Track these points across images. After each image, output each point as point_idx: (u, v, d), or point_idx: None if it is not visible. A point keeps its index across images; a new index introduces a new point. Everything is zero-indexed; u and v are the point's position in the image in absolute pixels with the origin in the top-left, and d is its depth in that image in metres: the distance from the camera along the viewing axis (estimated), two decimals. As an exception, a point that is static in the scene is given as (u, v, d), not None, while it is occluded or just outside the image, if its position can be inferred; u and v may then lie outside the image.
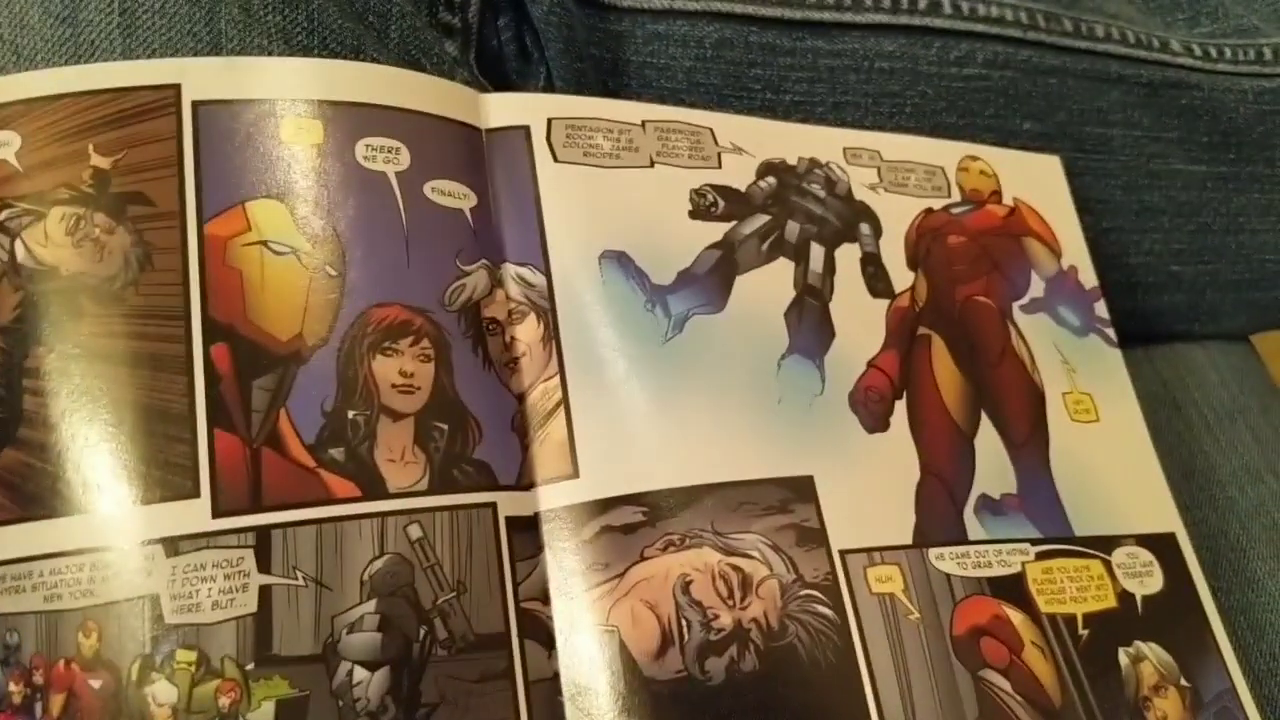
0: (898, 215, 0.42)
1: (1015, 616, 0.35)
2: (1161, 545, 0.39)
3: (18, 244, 0.30)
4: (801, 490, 0.34)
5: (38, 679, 0.27)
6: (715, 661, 0.31)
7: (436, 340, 0.32)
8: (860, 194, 0.41)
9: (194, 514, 0.28)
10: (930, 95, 0.46)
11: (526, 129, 0.37)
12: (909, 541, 0.35)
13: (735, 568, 0.33)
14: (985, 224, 0.43)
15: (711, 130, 0.40)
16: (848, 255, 0.40)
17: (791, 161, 0.41)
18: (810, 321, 0.38)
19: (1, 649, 0.27)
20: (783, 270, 0.38)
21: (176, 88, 0.32)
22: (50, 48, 0.32)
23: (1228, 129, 0.50)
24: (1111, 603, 0.37)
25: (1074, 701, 0.35)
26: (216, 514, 0.28)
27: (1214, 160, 0.51)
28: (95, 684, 0.27)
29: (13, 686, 0.27)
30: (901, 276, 0.41)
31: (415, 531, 0.30)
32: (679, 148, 0.39)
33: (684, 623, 0.31)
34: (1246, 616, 0.39)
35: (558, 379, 0.34)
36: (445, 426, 0.31)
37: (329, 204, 0.32)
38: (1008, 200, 0.44)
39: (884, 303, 0.40)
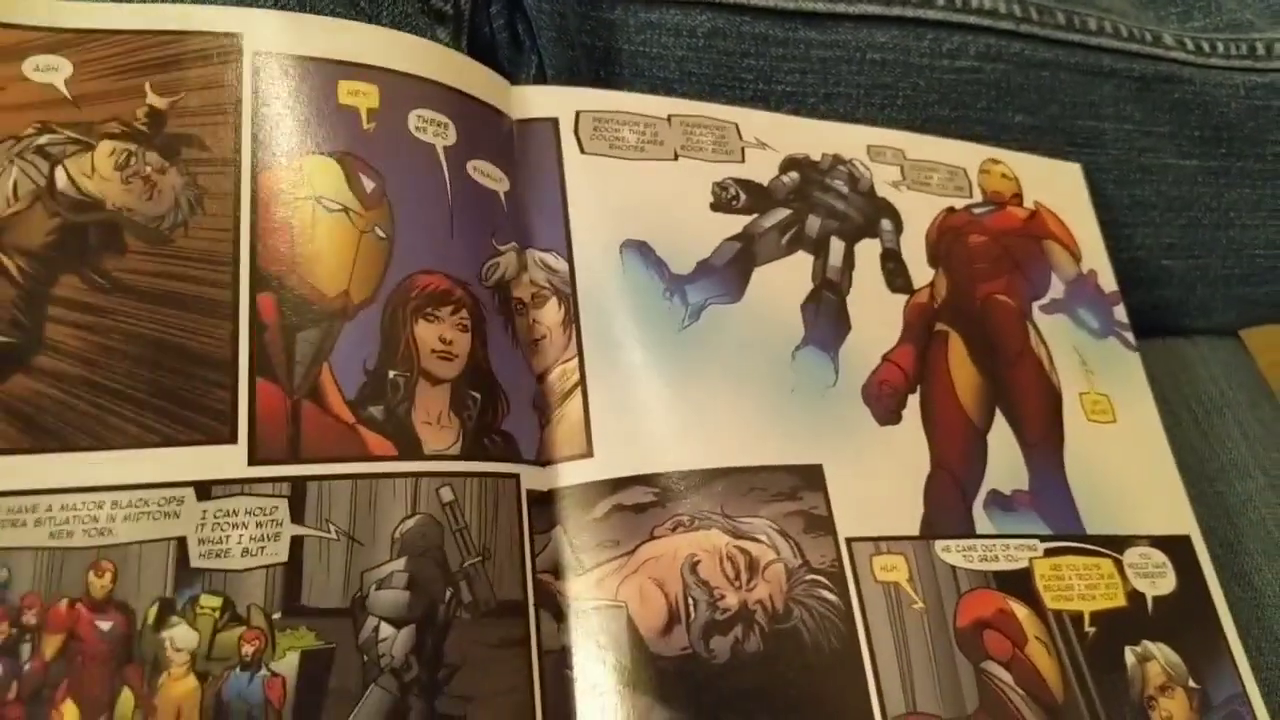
0: (919, 213, 0.42)
1: (1020, 611, 0.36)
2: (1176, 547, 0.39)
3: (58, 171, 0.30)
4: (811, 478, 0.35)
5: (29, 619, 0.26)
6: (720, 641, 0.32)
7: (474, 312, 0.33)
8: (883, 191, 0.42)
9: (229, 460, 0.28)
10: (922, 87, 0.46)
11: (555, 121, 0.38)
12: (916, 533, 0.36)
13: (743, 550, 0.33)
14: (1006, 225, 0.44)
15: (736, 125, 0.40)
16: (868, 250, 0.41)
17: (815, 157, 0.41)
18: (827, 314, 0.38)
19: (-13, 585, 0.26)
20: (801, 263, 0.39)
21: (238, 37, 0.33)
22: None
23: (1219, 123, 0.50)
24: (1121, 601, 0.37)
25: (1077, 697, 0.35)
26: (253, 461, 0.29)
27: (1205, 155, 0.51)
28: (104, 625, 0.26)
29: (-7, 625, 0.26)
30: (921, 273, 0.41)
31: (447, 494, 0.30)
32: (703, 142, 0.40)
33: (690, 601, 0.32)
34: (1233, 612, 0.39)
35: (576, 361, 0.35)
36: (478, 396, 0.32)
37: (382, 168, 0.33)
38: (1029, 204, 0.45)
39: (902, 298, 0.40)
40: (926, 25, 0.45)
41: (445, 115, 0.35)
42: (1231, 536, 0.46)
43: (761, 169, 0.40)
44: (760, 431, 0.35)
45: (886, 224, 0.42)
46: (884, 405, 0.38)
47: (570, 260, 0.36)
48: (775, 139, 0.41)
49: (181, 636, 0.27)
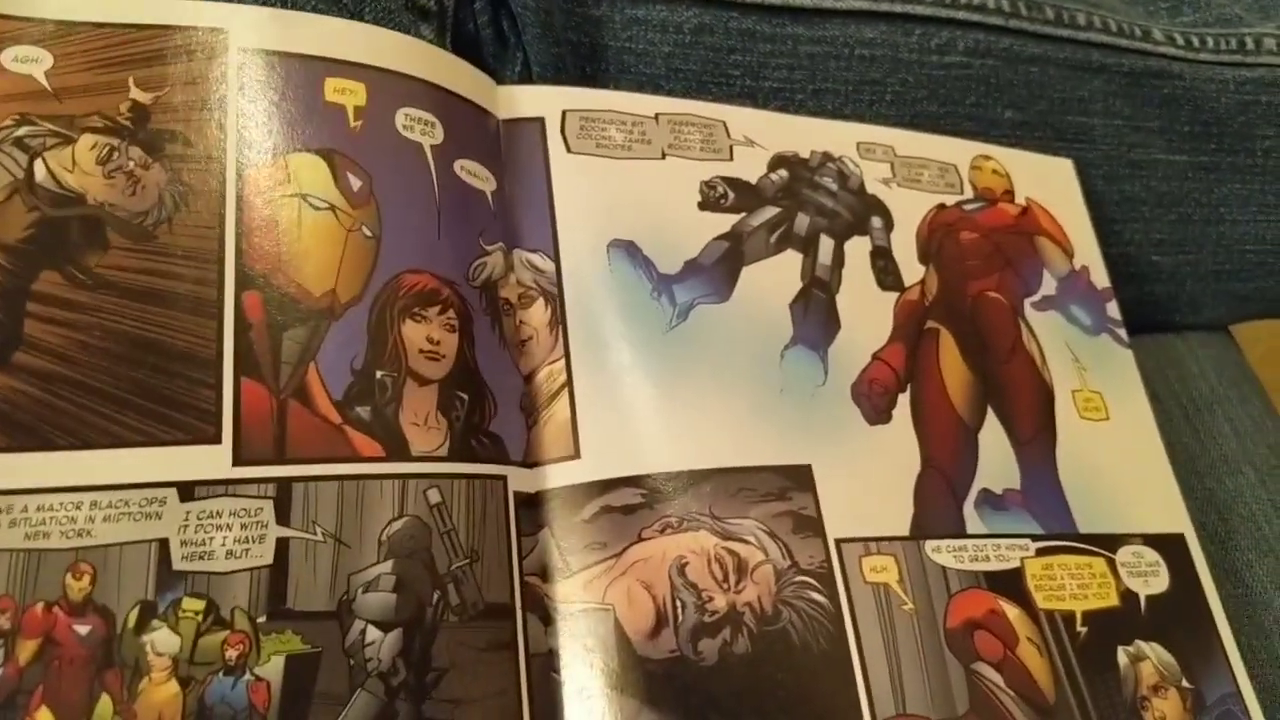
0: (910, 210, 0.42)
1: (1011, 611, 0.35)
2: (1169, 546, 0.39)
3: (37, 164, 0.29)
4: (800, 478, 0.35)
5: (2, 623, 0.25)
6: (708, 643, 0.32)
7: (461, 312, 0.33)
8: (873, 188, 0.42)
9: (213, 460, 0.28)
10: (911, 83, 0.45)
11: (541, 120, 0.37)
12: (906, 533, 0.35)
13: (731, 552, 0.33)
14: (998, 221, 0.43)
15: (724, 123, 0.40)
16: (858, 248, 0.40)
17: (804, 155, 0.41)
18: (816, 313, 0.38)
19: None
20: (790, 262, 0.39)
21: (224, 32, 0.32)
22: None
23: (1209, 119, 0.50)
24: (1113, 601, 0.37)
25: (1068, 698, 0.35)
26: (238, 462, 0.28)
27: (1195, 150, 0.50)
28: (82, 629, 0.26)
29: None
30: (911, 270, 0.41)
31: (435, 496, 0.30)
32: (691, 140, 0.39)
33: (679, 604, 0.32)
34: (1224, 609, 0.39)
35: (563, 362, 0.34)
36: (465, 396, 0.32)
37: (369, 166, 0.33)
38: (1020, 200, 0.44)
39: (892, 296, 0.40)
40: (915, 21, 0.45)
41: (432, 114, 0.34)
42: (1222, 532, 0.46)
43: (750, 167, 0.40)
44: (749, 432, 0.35)
45: (876, 221, 0.41)
46: (874, 404, 0.37)
47: (557, 260, 0.36)
48: (764, 137, 0.41)
49: (163, 640, 0.26)
